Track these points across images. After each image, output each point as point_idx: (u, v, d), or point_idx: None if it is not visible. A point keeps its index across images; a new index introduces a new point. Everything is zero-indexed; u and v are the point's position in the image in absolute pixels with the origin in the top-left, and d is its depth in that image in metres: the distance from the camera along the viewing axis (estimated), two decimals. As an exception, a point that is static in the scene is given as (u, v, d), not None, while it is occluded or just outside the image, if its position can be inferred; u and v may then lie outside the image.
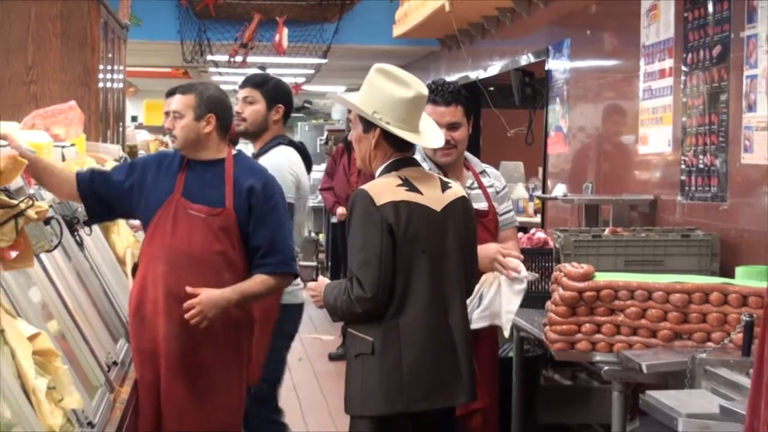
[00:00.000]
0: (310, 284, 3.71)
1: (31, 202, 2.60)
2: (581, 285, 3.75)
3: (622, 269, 4.19)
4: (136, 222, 4.63)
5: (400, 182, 3.51)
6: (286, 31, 11.51)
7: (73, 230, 4.02)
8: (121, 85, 7.89)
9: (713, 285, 3.70)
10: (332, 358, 8.83)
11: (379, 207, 3.44)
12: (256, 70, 13.34)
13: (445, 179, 3.68)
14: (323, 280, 3.69)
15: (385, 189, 3.48)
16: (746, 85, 4.32)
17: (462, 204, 3.62)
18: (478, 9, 8.21)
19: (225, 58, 12.15)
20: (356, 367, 3.52)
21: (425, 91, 3.54)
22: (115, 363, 3.75)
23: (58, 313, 3.32)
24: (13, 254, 2.64)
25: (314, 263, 13.49)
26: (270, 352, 4.54)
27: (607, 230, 4.58)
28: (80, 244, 4.10)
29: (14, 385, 2.40)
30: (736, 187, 4.44)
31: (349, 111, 8.11)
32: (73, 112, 5.01)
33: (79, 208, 4.17)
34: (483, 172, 4.32)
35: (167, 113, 4.01)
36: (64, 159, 4.50)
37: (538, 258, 4.85)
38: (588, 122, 6.44)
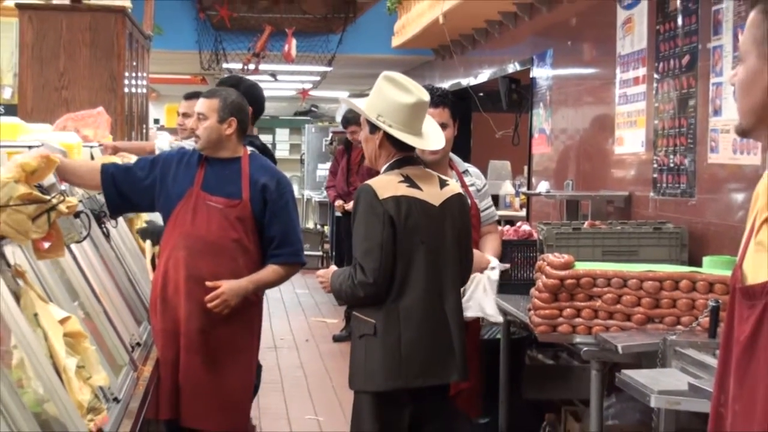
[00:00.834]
0: (319, 272, 3.74)
1: (62, 198, 2.59)
2: (563, 273, 3.75)
3: (600, 259, 4.19)
4: None
5: (402, 179, 3.51)
6: (294, 41, 11.54)
7: (100, 223, 4.02)
8: (144, 91, 7.87)
9: (682, 273, 3.69)
10: (336, 339, 8.83)
11: (381, 201, 3.45)
12: (268, 77, 13.38)
13: (444, 177, 3.68)
14: (331, 268, 3.73)
15: (387, 185, 3.49)
16: (712, 92, 4.30)
17: (458, 200, 3.63)
18: (469, 21, 8.20)
19: (239, 66, 12.13)
20: (360, 346, 3.52)
21: (426, 98, 3.54)
22: (138, 344, 3.75)
23: (86, 298, 3.32)
24: (46, 245, 2.64)
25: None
26: None
27: (586, 223, 4.57)
28: (107, 236, 4.09)
29: (47, 364, 2.40)
30: (703, 184, 4.43)
31: (351, 113, 8.12)
32: (101, 117, 5.01)
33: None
34: (465, 171, 4.32)
35: (184, 114, 4.01)
36: (92, 158, 4.50)
37: (523, 248, 4.83)
38: (569, 125, 6.43)
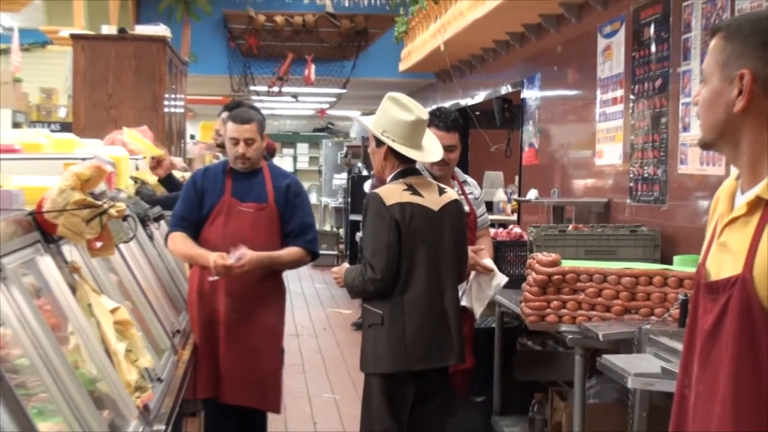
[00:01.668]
0: (334, 269, 3.74)
1: (112, 203, 2.60)
2: (550, 270, 3.75)
3: (583, 257, 4.19)
4: None
5: (406, 187, 3.51)
6: (313, 67, 11.62)
7: (145, 226, 4.05)
8: (182, 110, 7.90)
9: (656, 270, 3.69)
10: (355, 326, 8.81)
11: (388, 206, 3.45)
12: (290, 98, 13.40)
13: (442, 185, 3.68)
14: (344, 265, 3.74)
15: (393, 192, 3.49)
16: (682, 111, 4.31)
17: (455, 205, 3.63)
18: (467, 49, 8.22)
19: (265, 88, 12.19)
20: (369, 334, 3.53)
21: (425, 116, 3.55)
22: (178, 331, 3.76)
23: (133, 290, 3.33)
24: (98, 245, 2.65)
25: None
26: None
27: (571, 226, 4.58)
28: (150, 237, 4.11)
29: (99, 349, 2.41)
30: (674, 192, 4.43)
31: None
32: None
33: (151, 208, 4.21)
34: (465, 181, 4.32)
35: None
36: (137, 169, 4.50)
37: (515, 248, 4.84)
38: (555, 140, 6.43)
